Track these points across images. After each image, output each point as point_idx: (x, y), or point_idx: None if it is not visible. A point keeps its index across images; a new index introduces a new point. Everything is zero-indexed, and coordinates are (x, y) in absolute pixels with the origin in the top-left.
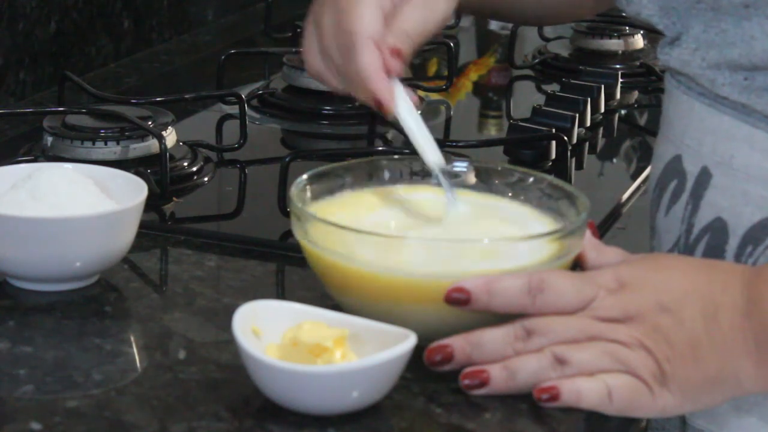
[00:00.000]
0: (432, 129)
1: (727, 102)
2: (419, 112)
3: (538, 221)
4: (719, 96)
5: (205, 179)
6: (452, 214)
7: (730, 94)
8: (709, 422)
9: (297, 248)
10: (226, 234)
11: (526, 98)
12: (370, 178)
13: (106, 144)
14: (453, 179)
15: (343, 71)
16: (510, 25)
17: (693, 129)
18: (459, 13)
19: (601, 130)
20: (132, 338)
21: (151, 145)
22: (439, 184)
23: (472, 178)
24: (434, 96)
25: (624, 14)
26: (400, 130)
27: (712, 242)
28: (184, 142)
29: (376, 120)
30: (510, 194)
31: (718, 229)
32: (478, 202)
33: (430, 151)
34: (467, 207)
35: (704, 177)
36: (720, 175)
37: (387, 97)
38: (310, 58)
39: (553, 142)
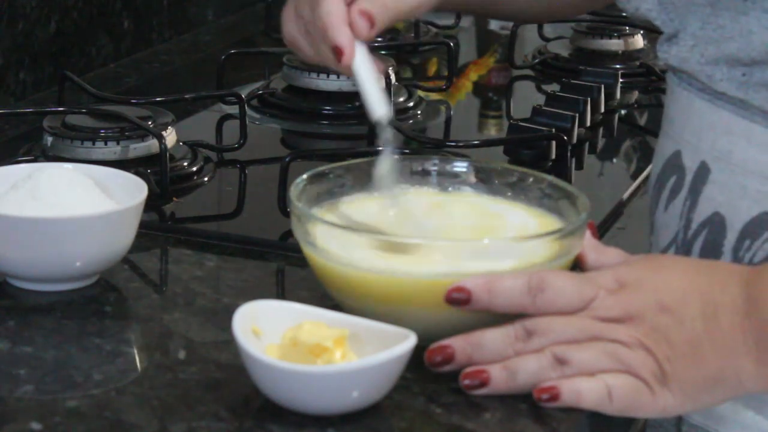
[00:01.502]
0: (432, 129)
1: (726, 98)
2: (377, 74)
3: (538, 221)
4: (717, 92)
5: (205, 179)
6: (381, 171)
7: (728, 90)
8: (706, 418)
9: (297, 248)
10: (226, 234)
11: (526, 98)
12: (370, 178)
13: (106, 144)
14: (453, 179)
15: (310, 27)
16: (510, 25)
17: (692, 125)
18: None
19: (601, 130)
20: (132, 338)
21: (151, 145)
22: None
23: (472, 178)
24: (434, 96)
25: (624, 13)
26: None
27: (710, 237)
28: (184, 142)
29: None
30: (510, 194)
31: (716, 223)
32: (478, 202)
33: (377, 104)
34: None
35: (703, 172)
36: (718, 170)
37: (346, 45)
38: (286, 24)
39: (553, 142)
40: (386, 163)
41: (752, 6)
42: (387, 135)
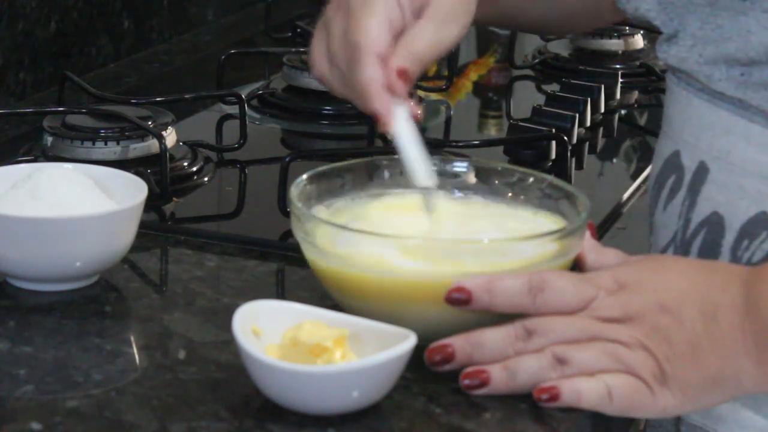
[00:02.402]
0: (432, 129)
1: (724, 97)
2: (418, 127)
3: (538, 221)
4: (716, 92)
5: (205, 179)
6: (430, 230)
7: (727, 90)
8: (704, 417)
9: (297, 248)
10: (226, 234)
11: (526, 98)
12: (370, 178)
13: (106, 144)
14: (453, 179)
15: (347, 81)
16: None
17: (691, 125)
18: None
19: (601, 130)
20: (132, 338)
21: (151, 145)
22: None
23: (472, 178)
24: (434, 96)
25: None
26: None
27: (709, 237)
28: (184, 142)
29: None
30: (510, 194)
31: (714, 223)
32: (478, 202)
33: (419, 172)
34: (451, 224)
35: (701, 172)
36: (717, 169)
37: (385, 116)
38: (317, 61)
39: (553, 142)
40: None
41: (751, 6)
42: (431, 203)
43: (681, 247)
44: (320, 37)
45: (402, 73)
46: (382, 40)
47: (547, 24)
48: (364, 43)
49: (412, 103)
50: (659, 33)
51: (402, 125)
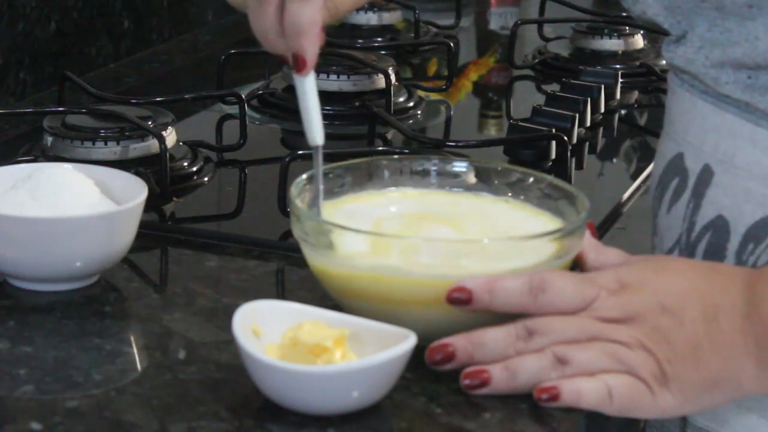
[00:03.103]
0: (432, 129)
1: (730, 100)
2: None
3: (538, 221)
4: (722, 94)
5: (205, 179)
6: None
7: (733, 93)
8: (710, 420)
9: (297, 248)
10: (226, 234)
11: (526, 98)
12: (370, 178)
13: (106, 144)
14: (453, 179)
15: (282, 17)
16: (510, 25)
17: (695, 127)
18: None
19: (601, 130)
20: (132, 338)
21: (151, 145)
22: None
23: (472, 178)
24: (434, 96)
25: (626, 14)
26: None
27: (714, 240)
28: (184, 142)
29: (376, 120)
30: (510, 194)
31: (719, 227)
32: (478, 202)
33: (317, 129)
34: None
35: (706, 175)
36: (722, 173)
37: (311, 59)
38: None
39: (553, 142)
40: (315, 189)
41: (758, 12)
42: (320, 159)
43: (686, 250)
44: None
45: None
46: None
47: None
48: None
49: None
50: (666, 34)
51: (312, 79)
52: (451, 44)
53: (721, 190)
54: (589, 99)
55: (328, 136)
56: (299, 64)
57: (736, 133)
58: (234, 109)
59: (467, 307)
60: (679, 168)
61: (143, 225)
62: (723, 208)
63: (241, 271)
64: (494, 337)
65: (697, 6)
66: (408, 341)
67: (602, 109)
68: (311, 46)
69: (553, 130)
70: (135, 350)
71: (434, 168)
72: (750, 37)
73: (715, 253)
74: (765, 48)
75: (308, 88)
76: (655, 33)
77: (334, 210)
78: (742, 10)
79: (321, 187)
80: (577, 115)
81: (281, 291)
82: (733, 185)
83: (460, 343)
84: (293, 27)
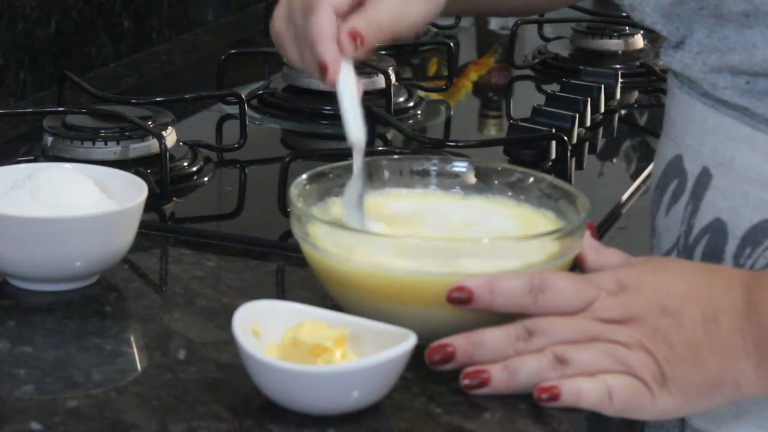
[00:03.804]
0: (432, 129)
1: (729, 104)
2: (359, 95)
3: (538, 221)
4: (720, 98)
5: (205, 179)
6: (350, 195)
7: (731, 98)
8: (708, 422)
9: (297, 248)
10: (226, 234)
11: (526, 98)
12: (370, 178)
13: (106, 144)
14: (452, 179)
15: (300, 35)
16: (510, 25)
17: (694, 129)
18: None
19: (601, 130)
20: (132, 338)
21: (151, 145)
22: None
23: (472, 178)
24: (434, 96)
25: (623, 13)
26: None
27: (712, 243)
28: (184, 142)
29: (376, 120)
30: (510, 194)
31: (717, 230)
32: (478, 202)
33: (354, 128)
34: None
35: (704, 177)
36: (720, 176)
37: (331, 62)
38: (276, 21)
39: (553, 142)
40: (356, 188)
41: (755, 21)
42: (360, 159)
43: (684, 252)
44: (282, 1)
45: (353, 34)
46: None
47: (523, 5)
48: None
49: (358, 77)
50: (665, 37)
51: (346, 80)
52: (451, 44)
53: (719, 193)
54: (589, 99)
55: (329, 136)
56: (321, 70)
57: (734, 136)
58: (234, 109)
59: (467, 307)
60: (678, 170)
61: (143, 225)
62: (721, 211)
63: (241, 271)
64: (494, 337)
65: (696, 13)
66: (408, 341)
67: (602, 109)
68: (327, 52)
69: (553, 130)
70: (135, 350)
71: (434, 168)
72: (747, 45)
73: (713, 256)
74: (762, 56)
75: (340, 91)
76: (655, 33)
77: (334, 210)
78: (739, 18)
79: (360, 188)
80: (577, 115)
81: (281, 291)
82: (731, 188)
83: (459, 343)
84: (307, 38)
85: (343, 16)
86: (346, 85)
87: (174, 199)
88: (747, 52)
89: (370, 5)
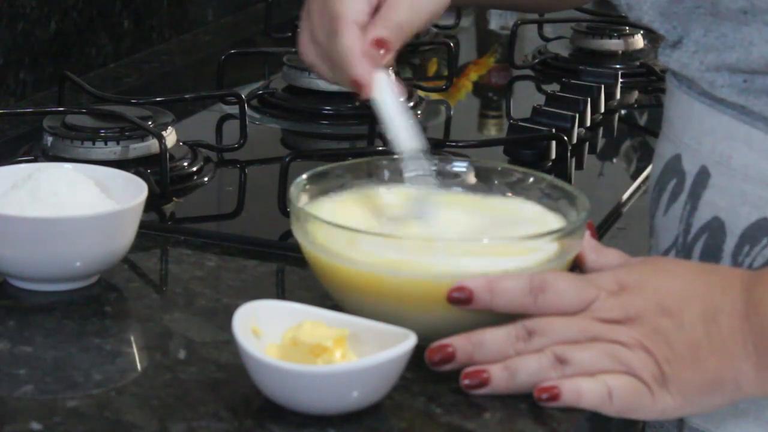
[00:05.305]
0: (432, 129)
1: (726, 102)
2: (403, 100)
3: (538, 221)
4: (718, 97)
5: (205, 179)
6: (417, 203)
7: (729, 96)
8: (706, 421)
9: (297, 248)
10: (226, 234)
11: (526, 98)
12: (370, 178)
13: (106, 144)
14: (453, 179)
15: (328, 55)
16: (510, 25)
17: (692, 128)
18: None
19: (601, 130)
20: (132, 338)
21: (151, 145)
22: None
23: (472, 178)
24: (434, 96)
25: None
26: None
27: (710, 242)
28: (184, 142)
29: (377, 120)
30: (510, 194)
31: (715, 228)
32: (478, 202)
33: (403, 138)
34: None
35: (703, 176)
36: (718, 174)
37: (365, 80)
38: (303, 47)
39: (553, 142)
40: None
41: (752, 19)
42: (419, 169)
43: (682, 251)
44: (304, 25)
45: (379, 42)
46: (359, 8)
47: (537, 2)
48: (342, 12)
49: (397, 79)
50: (663, 36)
51: (383, 92)
52: (451, 44)
53: (717, 192)
54: (589, 99)
55: (329, 136)
56: (358, 88)
57: (732, 135)
58: (234, 109)
59: (467, 307)
60: (677, 169)
61: (143, 225)
62: (719, 209)
63: (241, 271)
64: (494, 337)
65: (693, 12)
66: (408, 341)
67: (602, 109)
68: (359, 71)
69: (553, 130)
70: (135, 350)
71: (434, 168)
72: (744, 43)
73: (712, 255)
74: (759, 53)
75: (380, 103)
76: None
77: (334, 210)
78: (736, 15)
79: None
80: (577, 115)
81: (281, 291)
82: (730, 187)
83: (459, 343)
84: (336, 60)
85: (365, 26)
86: (385, 95)
87: (174, 199)
88: (744, 50)
89: (385, 8)
